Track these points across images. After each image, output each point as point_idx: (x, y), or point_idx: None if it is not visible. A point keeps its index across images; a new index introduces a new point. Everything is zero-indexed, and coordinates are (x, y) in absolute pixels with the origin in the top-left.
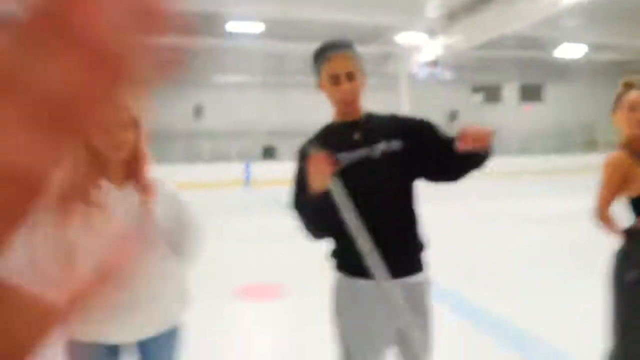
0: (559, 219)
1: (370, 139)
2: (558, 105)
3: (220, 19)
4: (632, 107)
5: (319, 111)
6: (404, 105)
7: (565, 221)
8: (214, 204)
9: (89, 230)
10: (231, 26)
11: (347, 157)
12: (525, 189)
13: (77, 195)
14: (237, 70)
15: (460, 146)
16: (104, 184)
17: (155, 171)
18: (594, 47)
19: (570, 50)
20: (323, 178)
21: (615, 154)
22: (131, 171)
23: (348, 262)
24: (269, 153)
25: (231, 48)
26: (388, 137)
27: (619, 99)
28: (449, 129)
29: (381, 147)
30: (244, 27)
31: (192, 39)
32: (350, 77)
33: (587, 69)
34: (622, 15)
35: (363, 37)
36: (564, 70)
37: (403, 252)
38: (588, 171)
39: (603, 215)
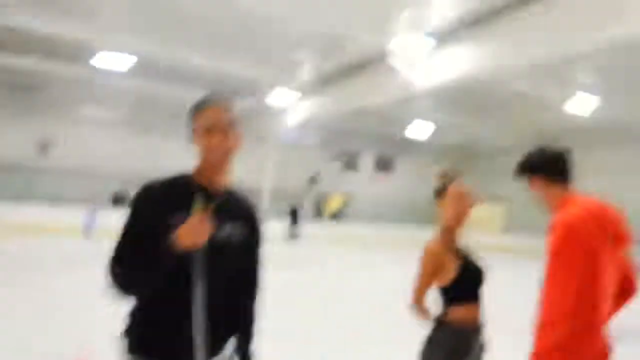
0: (387, 292)
1: (218, 218)
2: (406, 178)
3: (89, 48)
4: (459, 198)
5: (184, 160)
6: (268, 165)
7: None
8: (46, 252)
9: None
10: (99, 57)
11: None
12: (371, 258)
13: None
14: (98, 105)
15: None
16: None
17: None
18: (441, 128)
19: (420, 129)
20: (197, 239)
21: (431, 241)
22: None
23: (155, 341)
24: (119, 200)
25: (97, 80)
26: (235, 222)
27: (443, 189)
28: (308, 193)
29: (227, 229)
30: (113, 59)
31: (53, 63)
32: (225, 131)
33: (433, 147)
34: (465, 104)
35: (236, 89)
36: (413, 146)
37: (223, 335)
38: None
39: (418, 302)
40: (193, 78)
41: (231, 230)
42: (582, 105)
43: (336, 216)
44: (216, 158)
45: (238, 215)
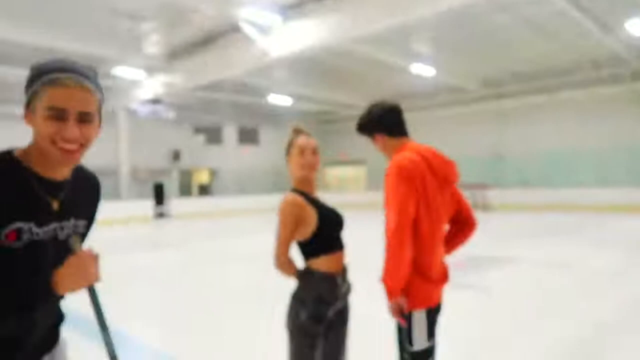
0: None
1: (64, 213)
2: (270, 148)
3: None
4: (301, 151)
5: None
6: (123, 142)
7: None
8: None
9: None
10: None
11: (35, 230)
12: (240, 227)
13: None
14: None
15: None
16: None
17: None
18: (297, 98)
19: (279, 99)
20: (85, 282)
21: (289, 195)
22: None
23: None
24: None
25: None
26: (78, 213)
27: (290, 144)
28: (174, 168)
29: (70, 225)
30: None
31: None
32: (83, 118)
33: (292, 115)
34: (320, 72)
35: None
36: (274, 116)
37: (52, 332)
38: None
39: (283, 257)
40: (17, 58)
41: (73, 225)
42: (422, 71)
43: (204, 191)
44: (67, 154)
45: (82, 202)
